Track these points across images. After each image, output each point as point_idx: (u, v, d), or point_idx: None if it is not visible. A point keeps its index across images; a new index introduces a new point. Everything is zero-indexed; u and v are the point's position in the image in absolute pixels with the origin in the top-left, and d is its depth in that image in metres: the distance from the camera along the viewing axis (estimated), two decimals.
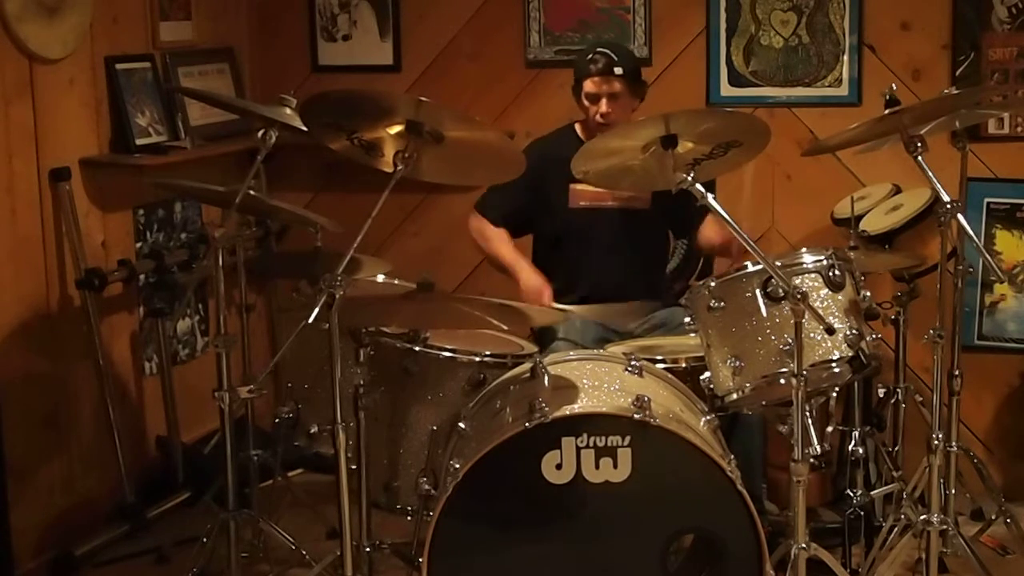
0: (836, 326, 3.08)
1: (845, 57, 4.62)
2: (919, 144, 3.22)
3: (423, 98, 3.02)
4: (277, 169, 4.86)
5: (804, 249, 3.28)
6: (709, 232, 4.17)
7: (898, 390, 4.17)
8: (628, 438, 2.94)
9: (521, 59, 4.90)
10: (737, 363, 3.16)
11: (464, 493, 2.94)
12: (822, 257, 3.21)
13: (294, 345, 3.13)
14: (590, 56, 4.05)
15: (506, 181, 4.10)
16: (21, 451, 3.91)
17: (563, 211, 4.11)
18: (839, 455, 4.20)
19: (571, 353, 3.45)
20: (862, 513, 3.82)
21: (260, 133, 3.52)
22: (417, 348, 3.40)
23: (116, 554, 4.15)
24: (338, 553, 3.06)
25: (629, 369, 3.25)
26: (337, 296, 2.85)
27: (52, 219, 4.06)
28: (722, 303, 3.18)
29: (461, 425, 3.21)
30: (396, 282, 3.82)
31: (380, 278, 3.86)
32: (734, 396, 3.19)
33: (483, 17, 4.91)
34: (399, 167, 3.02)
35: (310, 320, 2.84)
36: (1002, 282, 4.49)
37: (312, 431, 3.46)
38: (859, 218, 4.18)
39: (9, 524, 3.82)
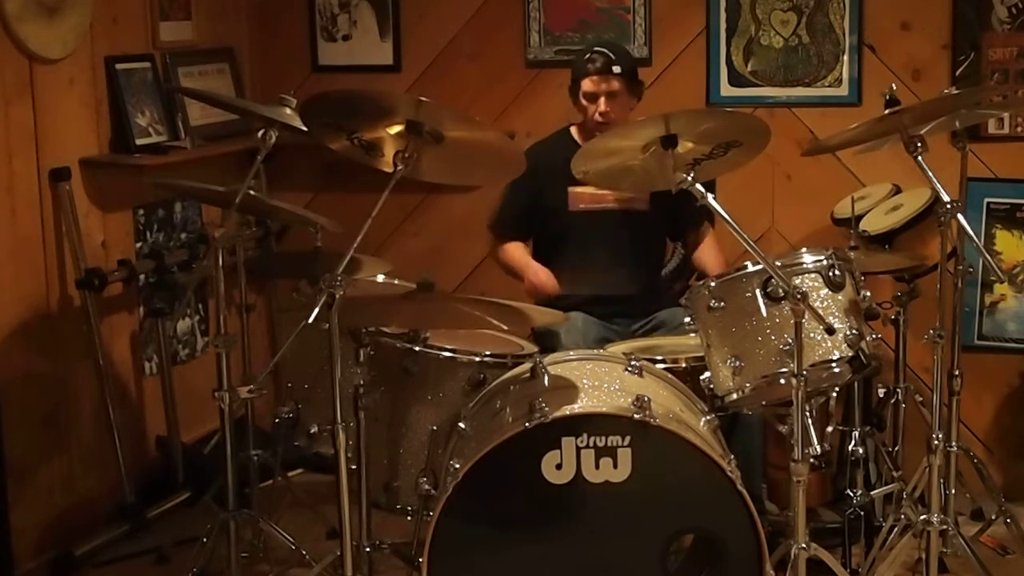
0: (836, 326, 3.08)
1: (845, 57, 4.62)
2: (919, 144, 3.22)
3: (423, 98, 3.02)
4: (277, 169, 4.86)
5: (804, 249, 3.28)
6: (706, 259, 4.20)
7: (898, 390, 4.17)
8: (628, 438, 2.94)
9: (521, 59, 4.90)
10: (737, 363, 3.16)
11: (464, 493, 2.94)
12: (822, 257, 3.21)
13: (294, 345, 3.13)
14: (588, 55, 4.05)
15: (509, 195, 4.14)
16: (21, 451, 3.91)
17: (563, 214, 4.11)
18: (839, 455, 4.20)
19: (571, 353, 3.45)
20: (862, 513, 3.82)
21: (260, 133, 3.52)
22: (417, 348, 3.39)
23: (116, 554, 4.15)
24: (338, 553, 3.06)
25: (629, 369, 3.25)
26: (337, 296, 2.85)
27: (52, 219, 4.06)
28: (722, 303, 3.18)
29: (461, 425, 3.21)
30: (396, 282, 3.82)
31: (380, 278, 3.86)
32: (734, 396, 3.19)
33: (483, 17, 4.91)
34: (399, 167, 3.02)
35: (310, 320, 2.84)
36: (1002, 282, 4.49)
37: (312, 431, 3.46)
38: (859, 218, 4.18)
39: (9, 524, 3.82)
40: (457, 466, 2.99)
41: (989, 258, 3.32)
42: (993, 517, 4.03)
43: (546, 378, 3.16)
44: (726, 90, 4.72)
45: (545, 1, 4.83)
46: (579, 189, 4.03)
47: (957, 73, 4.50)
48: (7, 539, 3.81)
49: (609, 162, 3.23)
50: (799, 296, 2.89)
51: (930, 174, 3.21)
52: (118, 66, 4.33)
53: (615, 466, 2.94)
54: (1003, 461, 4.62)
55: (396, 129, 3.08)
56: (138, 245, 4.46)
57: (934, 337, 3.37)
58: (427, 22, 4.96)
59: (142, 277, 4.43)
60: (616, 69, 4.01)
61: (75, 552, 4.03)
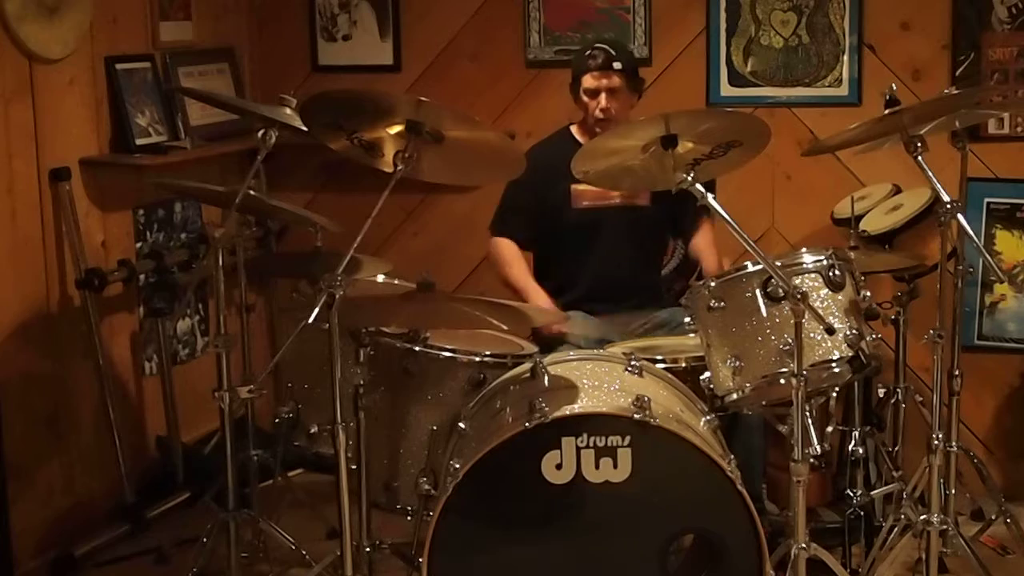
0: (836, 326, 3.08)
1: (845, 57, 4.62)
2: (919, 144, 3.22)
3: (423, 98, 3.02)
4: (277, 169, 4.86)
5: (804, 249, 3.28)
6: (701, 247, 4.20)
7: (898, 390, 4.17)
8: (628, 438, 2.94)
9: (521, 59, 4.90)
10: (737, 363, 3.16)
11: (464, 493, 2.94)
12: (822, 257, 3.21)
13: (294, 345, 3.13)
14: (588, 52, 4.05)
15: (510, 195, 4.14)
16: (21, 451, 3.91)
17: (566, 212, 4.11)
18: (839, 455, 4.20)
19: (571, 353, 3.45)
20: (862, 513, 3.82)
21: (260, 133, 3.52)
22: (417, 348, 3.39)
23: (116, 554, 4.15)
24: (338, 553, 3.06)
25: (629, 369, 3.25)
26: (337, 296, 2.85)
27: (52, 219, 4.06)
28: (722, 303, 3.18)
29: (461, 425, 3.21)
30: (396, 282, 3.82)
31: (380, 278, 3.86)
32: (734, 396, 3.19)
33: (483, 17, 4.91)
34: (399, 167, 3.02)
35: (310, 320, 2.84)
36: (1002, 282, 4.48)
37: (312, 431, 3.46)
38: (859, 218, 4.18)
39: (9, 524, 3.82)
40: (457, 466, 2.99)
41: (989, 258, 3.32)
42: (993, 517, 4.03)
43: (546, 378, 3.16)
44: (726, 90, 4.72)
45: (545, 1, 4.83)
46: (581, 187, 4.03)
47: (957, 73, 4.50)
48: (7, 539, 3.82)
49: (609, 162, 3.23)
50: (799, 296, 2.89)
51: (930, 174, 3.21)
52: (118, 66, 4.33)
53: (615, 466, 2.94)
54: (1003, 461, 4.62)
55: (396, 129, 3.08)
56: (138, 245, 4.46)
57: (934, 337, 3.37)
58: (427, 22, 4.95)
59: (142, 277, 4.43)
60: (617, 65, 4.01)
61: (75, 552, 4.03)
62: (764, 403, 3.25)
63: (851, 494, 3.83)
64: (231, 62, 4.93)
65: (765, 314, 3.14)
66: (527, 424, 2.92)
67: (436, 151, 3.09)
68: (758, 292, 3.14)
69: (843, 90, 4.63)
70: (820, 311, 3.08)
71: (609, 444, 2.94)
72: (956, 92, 3.65)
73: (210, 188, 3.93)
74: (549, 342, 3.81)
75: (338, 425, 2.96)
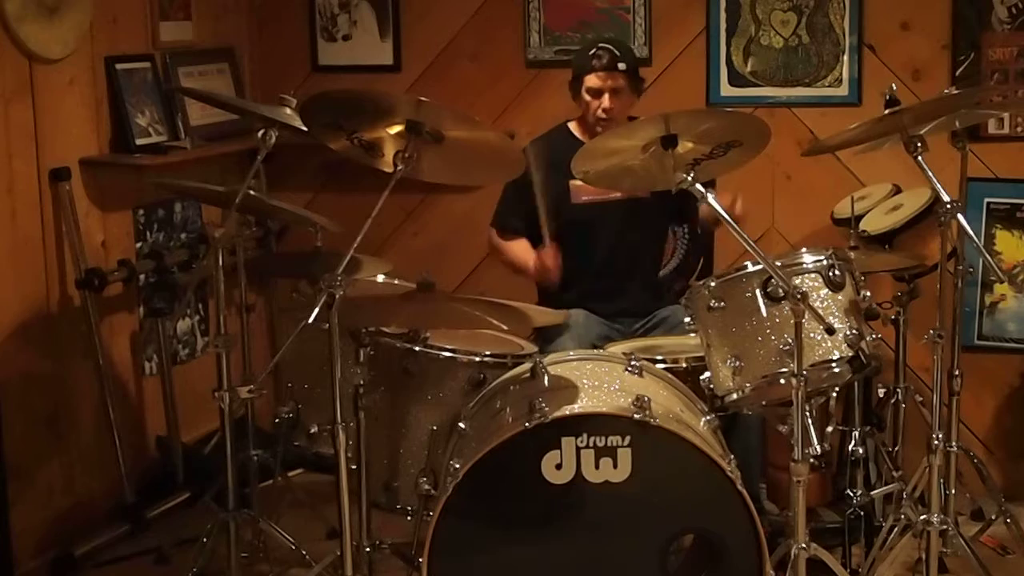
0: (836, 326, 3.08)
1: (845, 57, 4.62)
2: (919, 144, 3.22)
3: (423, 98, 3.02)
4: (277, 169, 4.86)
5: (804, 249, 3.28)
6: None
7: (898, 390, 4.17)
8: (628, 438, 2.94)
9: (521, 59, 4.90)
10: (737, 363, 3.16)
11: (464, 493, 2.94)
12: (822, 257, 3.21)
13: (294, 345, 3.13)
14: (592, 52, 4.04)
15: (509, 193, 4.14)
16: (21, 451, 3.91)
17: (566, 208, 4.11)
18: (839, 455, 4.20)
19: (571, 353, 3.45)
20: (862, 513, 3.82)
21: (260, 133, 3.52)
22: (417, 348, 3.40)
23: (116, 554, 4.14)
24: (338, 553, 3.06)
25: (629, 369, 3.25)
26: (337, 296, 2.85)
27: (52, 219, 4.06)
28: (722, 303, 3.18)
29: (461, 425, 3.21)
30: (396, 282, 3.82)
31: (380, 278, 3.86)
32: (734, 396, 3.19)
33: (483, 17, 4.91)
34: (399, 167, 3.02)
35: (310, 320, 2.84)
36: (1002, 282, 4.48)
37: (312, 431, 3.46)
38: (859, 218, 4.18)
39: (9, 524, 3.82)
40: (457, 466, 2.99)
41: (989, 258, 3.32)
42: (993, 517, 4.03)
43: (546, 378, 3.16)
44: (726, 90, 4.72)
45: (545, 1, 4.83)
46: (580, 182, 4.02)
47: (957, 73, 4.50)
48: (7, 539, 3.82)
49: (609, 162, 3.23)
50: (799, 296, 2.89)
51: (930, 174, 3.21)
52: (118, 66, 4.33)
53: (615, 466, 2.94)
54: (1003, 461, 4.62)
55: (396, 129, 3.08)
56: (138, 245, 4.46)
57: (934, 337, 3.37)
58: (427, 22, 4.95)
59: (142, 277, 4.43)
60: (622, 66, 4.01)
61: (75, 552, 4.03)
62: (764, 403, 3.25)
63: (851, 494, 3.83)
64: (231, 62, 4.93)
65: (765, 314, 3.14)
66: (527, 424, 2.92)
67: (436, 151, 3.09)
68: (758, 292, 3.14)
69: (843, 90, 4.63)
70: (820, 311, 3.08)
71: (609, 444, 2.94)
72: (956, 92, 3.65)
73: (210, 188, 3.92)
74: (551, 332, 3.82)
75: (338, 425, 2.96)
